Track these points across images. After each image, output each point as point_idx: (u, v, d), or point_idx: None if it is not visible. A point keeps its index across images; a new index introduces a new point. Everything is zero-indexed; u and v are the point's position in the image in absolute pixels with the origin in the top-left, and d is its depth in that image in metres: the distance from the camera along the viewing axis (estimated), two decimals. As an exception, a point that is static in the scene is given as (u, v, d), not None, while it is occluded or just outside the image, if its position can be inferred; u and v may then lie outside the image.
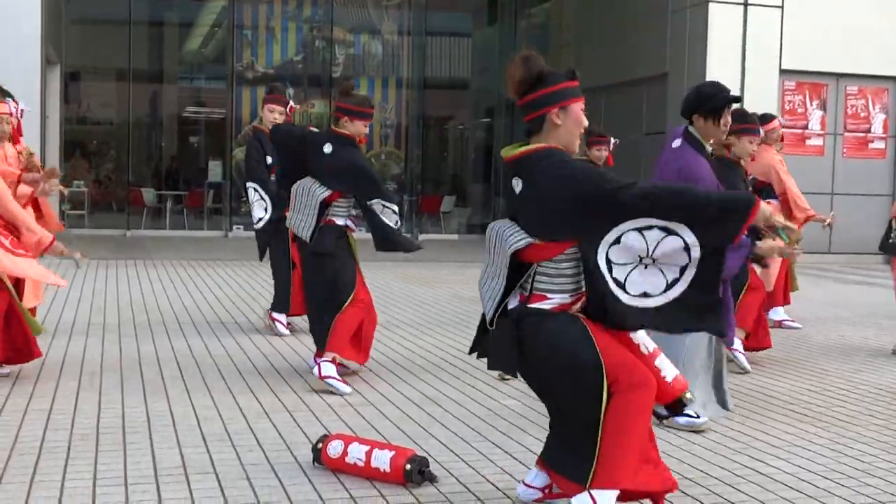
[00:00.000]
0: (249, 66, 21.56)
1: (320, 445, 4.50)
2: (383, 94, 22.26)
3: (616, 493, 3.68)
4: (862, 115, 17.44)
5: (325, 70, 21.82)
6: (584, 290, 3.79)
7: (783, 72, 16.63)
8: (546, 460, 3.97)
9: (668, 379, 3.86)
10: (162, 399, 5.79)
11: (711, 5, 16.14)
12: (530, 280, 3.79)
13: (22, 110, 7.57)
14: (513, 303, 3.82)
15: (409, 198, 21.67)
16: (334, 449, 4.43)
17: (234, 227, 20.12)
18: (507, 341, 3.78)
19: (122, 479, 4.29)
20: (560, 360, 3.70)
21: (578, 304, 3.80)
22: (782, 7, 16.48)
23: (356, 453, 4.38)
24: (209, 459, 4.62)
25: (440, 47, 23.44)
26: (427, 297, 10.72)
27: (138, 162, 22.61)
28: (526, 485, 4.08)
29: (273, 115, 8.08)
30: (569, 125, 3.77)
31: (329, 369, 6.07)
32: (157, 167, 23.54)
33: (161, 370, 6.62)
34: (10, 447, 4.74)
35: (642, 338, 3.88)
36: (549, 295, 3.78)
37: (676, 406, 3.86)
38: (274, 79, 21.43)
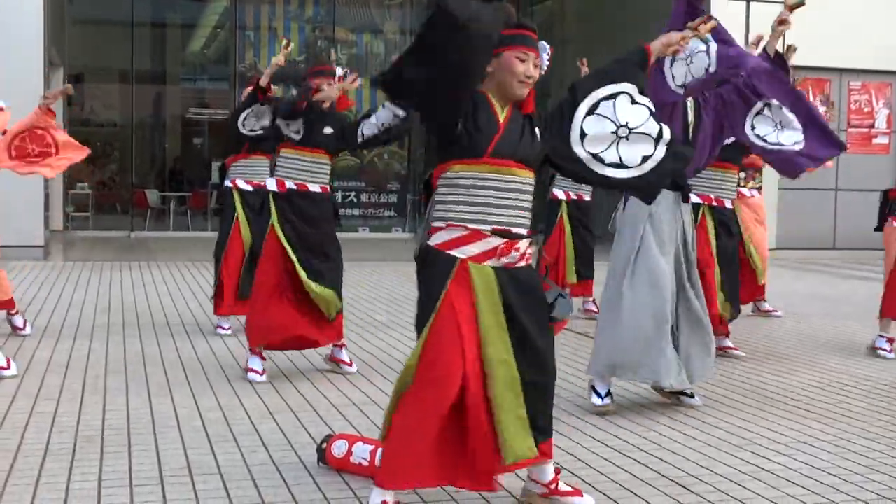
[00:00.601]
0: (252, 66, 21.57)
1: (325, 445, 4.50)
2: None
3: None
4: (865, 110, 17.42)
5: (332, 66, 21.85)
6: (470, 224, 3.69)
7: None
8: None
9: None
10: (167, 400, 5.80)
11: (714, 1, 16.12)
12: (430, 209, 3.82)
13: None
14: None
15: (412, 197, 21.66)
16: (339, 449, 4.44)
17: (239, 227, 20.10)
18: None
19: (128, 481, 4.30)
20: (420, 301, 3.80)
21: (470, 246, 3.70)
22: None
23: (360, 453, 4.38)
24: (214, 460, 4.62)
25: (442, 46, 23.43)
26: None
27: (142, 163, 22.62)
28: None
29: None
30: (501, 73, 3.74)
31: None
32: (161, 168, 23.56)
33: (166, 371, 6.63)
34: (15, 449, 4.76)
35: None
36: (434, 225, 3.78)
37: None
38: (277, 79, 21.36)
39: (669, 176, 3.96)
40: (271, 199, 6.37)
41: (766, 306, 9.56)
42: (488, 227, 3.70)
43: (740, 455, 4.89)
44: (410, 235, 21.12)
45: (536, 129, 3.82)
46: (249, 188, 8.05)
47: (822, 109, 16.50)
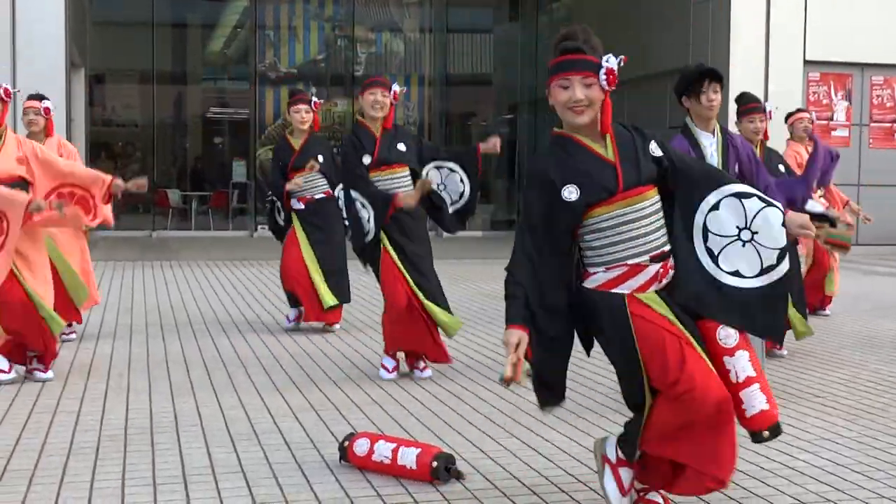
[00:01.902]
0: (272, 66, 21.62)
1: (347, 443, 4.51)
2: (406, 92, 22.27)
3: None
4: (888, 105, 17.29)
5: (347, 69, 21.85)
6: (629, 260, 3.59)
7: (807, 63, 16.51)
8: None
9: (747, 413, 3.65)
10: (189, 399, 5.82)
11: (734, -4, 16.06)
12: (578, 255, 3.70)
13: (47, 108, 7.63)
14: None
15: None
16: (361, 447, 4.45)
17: (259, 226, 20.18)
18: (577, 322, 3.72)
19: (151, 480, 4.32)
20: (609, 346, 3.69)
21: (632, 280, 3.58)
22: (805, -3, 16.38)
23: (383, 451, 4.38)
24: (237, 459, 4.64)
25: (462, 44, 23.43)
26: (452, 295, 10.67)
27: (163, 163, 22.72)
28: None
29: (300, 115, 8.16)
30: (556, 107, 3.62)
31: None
32: (182, 168, 23.65)
33: (188, 371, 6.65)
34: (39, 448, 4.79)
35: (739, 363, 3.62)
36: (590, 270, 3.66)
37: (753, 437, 3.74)
38: (297, 78, 21.51)
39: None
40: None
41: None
42: (647, 258, 3.61)
43: (763, 451, 4.86)
44: (430, 234, 21.11)
45: (650, 145, 3.67)
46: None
47: (844, 105, 16.44)
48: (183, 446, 4.84)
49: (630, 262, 3.59)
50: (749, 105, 6.83)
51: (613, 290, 3.59)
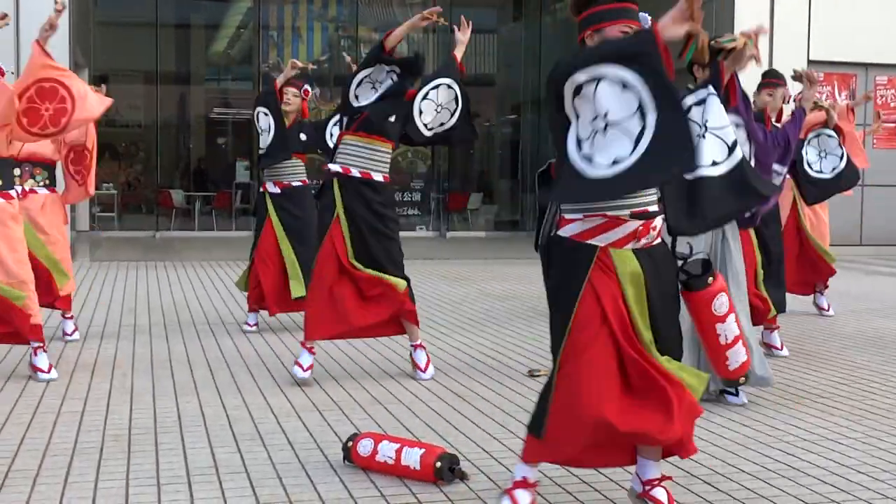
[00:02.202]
0: (276, 66, 21.62)
1: (350, 444, 4.51)
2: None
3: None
4: (892, 105, 17.28)
5: (350, 70, 21.88)
6: (609, 212, 3.45)
7: (811, 62, 16.48)
8: None
9: (731, 367, 3.89)
10: (193, 399, 5.82)
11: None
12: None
13: None
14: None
15: (436, 195, 21.67)
16: (364, 447, 4.44)
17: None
18: (543, 272, 3.66)
19: (155, 480, 4.32)
20: (550, 300, 3.62)
21: (609, 233, 3.47)
22: (809, -3, 16.37)
23: (386, 451, 4.38)
24: (240, 459, 4.64)
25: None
26: (455, 295, 10.72)
27: (167, 163, 22.74)
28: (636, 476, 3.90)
29: (286, 97, 8.16)
30: None
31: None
32: (186, 168, 23.68)
33: (192, 371, 6.66)
34: (43, 448, 4.79)
35: (728, 327, 3.70)
36: (566, 216, 3.56)
37: (729, 384, 3.94)
38: (299, 79, 21.48)
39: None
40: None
41: (823, 302, 9.53)
42: (627, 212, 3.48)
43: (768, 452, 4.86)
44: (434, 234, 21.13)
45: None
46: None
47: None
48: (187, 446, 4.84)
49: (610, 213, 3.46)
50: (771, 80, 7.01)
51: (587, 241, 3.48)
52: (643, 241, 3.53)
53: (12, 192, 6.11)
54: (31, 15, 13.67)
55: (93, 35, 19.53)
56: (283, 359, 7.07)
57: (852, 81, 17.08)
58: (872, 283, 12.59)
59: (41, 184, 7.00)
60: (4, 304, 6.08)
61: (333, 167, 6.27)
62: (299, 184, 8.26)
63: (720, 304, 3.68)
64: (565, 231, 3.54)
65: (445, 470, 4.27)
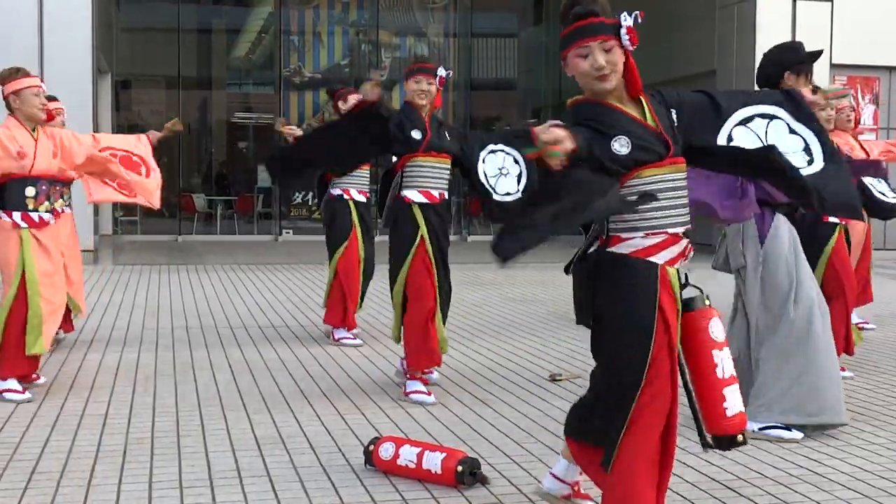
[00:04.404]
0: (297, 70, 21.70)
1: (372, 448, 4.52)
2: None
3: None
4: (915, 107, 17.17)
5: (371, 73, 21.91)
6: (669, 229, 3.37)
7: (834, 66, 16.41)
8: (570, 430, 3.69)
9: (728, 413, 3.43)
10: (216, 403, 5.84)
11: (759, 0, 15.98)
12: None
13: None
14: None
15: (456, 199, 21.67)
16: (386, 451, 4.46)
17: (284, 231, 20.27)
18: (585, 291, 3.42)
19: (178, 483, 4.34)
20: (613, 321, 3.36)
21: (667, 251, 3.37)
22: (832, 0, 16.28)
23: (408, 455, 4.39)
24: (262, 463, 4.66)
25: (486, 48, 23.44)
26: (476, 300, 10.72)
27: (189, 168, 22.84)
28: (553, 476, 3.89)
29: (348, 104, 7.91)
30: (577, 78, 3.42)
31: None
32: (207, 173, 23.77)
33: (214, 375, 6.68)
34: (67, 451, 4.82)
35: (726, 359, 3.45)
36: (623, 235, 3.37)
37: (723, 443, 3.48)
38: (321, 83, 21.57)
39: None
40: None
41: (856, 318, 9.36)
42: (682, 229, 3.42)
43: (790, 458, 4.84)
44: (455, 237, 21.13)
45: (672, 114, 3.47)
46: None
47: (871, 108, 16.34)
48: (209, 450, 4.86)
49: (670, 230, 3.38)
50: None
51: (649, 259, 3.35)
52: (686, 260, 3.47)
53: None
54: (54, 21, 13.81)
55: (115, 41, 19.64)
56: (305, 364, 7.09)
57: (875, 85, 16.99)
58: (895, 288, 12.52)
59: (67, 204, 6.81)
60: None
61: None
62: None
63: (718, 329, 3.46)
64: (622, 248, 3.37)
65: (466, 474, 4.28)
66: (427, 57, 7.03)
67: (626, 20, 3.42)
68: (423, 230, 5.99)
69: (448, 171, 6.13)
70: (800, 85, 5.30)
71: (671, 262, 3.39)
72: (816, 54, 5.44)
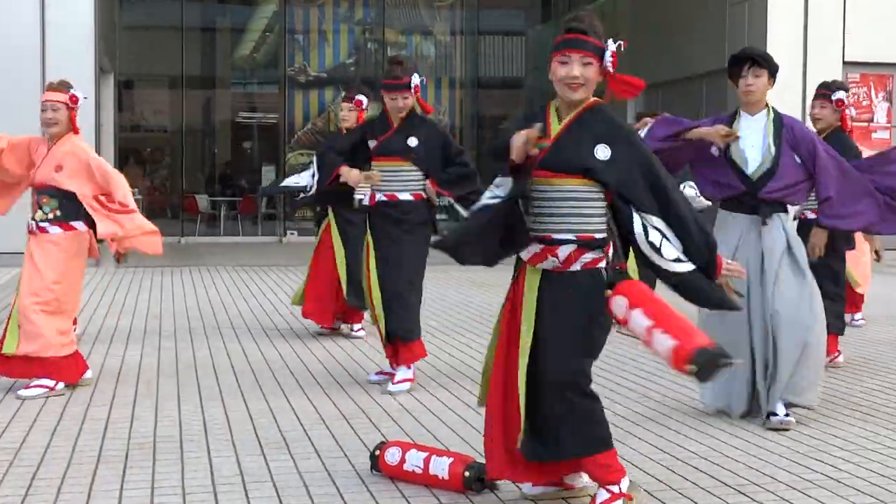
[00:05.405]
0: (302, 69, 21.69)
1: (378, 452, 4.49)
2: (436, 95, 22.27)
3: None
4: (931, 105, 17.10)
5: (377, 72, 21.86)
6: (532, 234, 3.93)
7: (846, 64, 16.35)
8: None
9: (665, 357, 3.71)
10: (218, 407, 5.82)
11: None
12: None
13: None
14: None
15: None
16: (392, 456, 4.43)
17: (289, 232, 20.26)
18: None
19: (180, 489, 4.32)
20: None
21: (527, 250, 3.97)
22: (844, -3, 16.23)
23: (414, 460, 4.36)
24: (266, 467, 4.63)
25: (493, 46, 23.42)
26: (484, 301, 10.69)
27: (192, 168, 22.84)
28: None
29: (343, 113, 8.32)
30: (552, 81, 3.96)
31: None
32: (211, 173, 23.76)
33: (217, 377, 6.66)
34: (68, 456, 4.80)
35: (635, 326, 3.80)
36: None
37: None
38: (326, 82, 21.58)
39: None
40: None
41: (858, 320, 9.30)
42: (533, 234, 3.94)
43: (804, 462, 4.80)
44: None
45: (600, 146, 3.89)
46: None
47: (885, 106, 16.26)
48: (212, 454, 4.84)
49: (532, 233, 3.95)
50: (817, 90, 7.12)
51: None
52: (543, 265, 3.96)
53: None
54: (55, 19, 13.81)
55: (118, 39, 19.64)
56: (309, 366, 7.07)
57: (889, 82, 16.92)
58: (910, 289, 12.45)
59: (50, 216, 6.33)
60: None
61: None
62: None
63: (617, 306, 3.82)
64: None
65: (474, 479, 4.25)
66: (402, 62, 7.00)
67: (611, 46, 3.90)
68: (368, 234, 6.40)
69: (405, 173, 6.39)
70: (738, 89, 5.66)
71: (531, 261, 4.00)
72: (743, 56, 5.69)
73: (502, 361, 4.07)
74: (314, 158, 7.26)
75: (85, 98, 6.59)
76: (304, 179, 7.73)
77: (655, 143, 5.41)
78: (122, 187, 6.30)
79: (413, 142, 6.35)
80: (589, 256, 3.91)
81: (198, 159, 23.58)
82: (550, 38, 19.54)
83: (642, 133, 5.58)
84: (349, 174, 6.44)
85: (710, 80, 17.42)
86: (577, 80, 3.86)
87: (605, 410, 4.06)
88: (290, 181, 8.36)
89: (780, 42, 15.93)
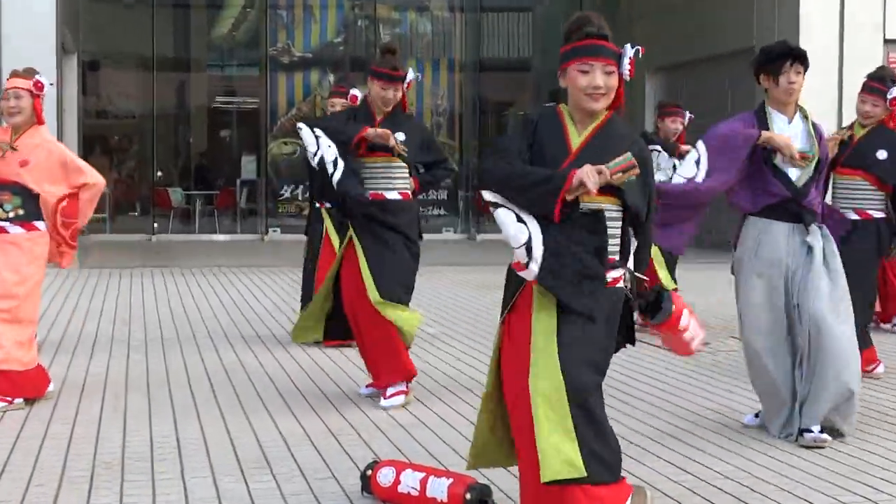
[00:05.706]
0: (285, 50, 21.69)
1: (369, 473, 4.50)
2: (434, 78, 22.27)
3: None
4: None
5: (368, 53, 21.83)
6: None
7: (888, 42, 16.32)
8: None
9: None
10: (193, 422, 5.83)
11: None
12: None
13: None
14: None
15: (464, 194, 21.67)
16: (385, 477, 4.43)
17: (271, 229, 20.27)
18: None
19: (151, 512, 4.33)
20: None
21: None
22: (885, -31, 16.23)
23: (410, 481, 4.37)
24: (246, 489, 4.64)
25: (497, 24, 23.41)
26: (483, 305, 10.69)
27: (164, 158, 22.82)
28: None
29: (335, 108, 8.41)
30: (570, 90, 3.95)
31: None
32: (185, 164, 23.76)
33: (192, 390, 6.67)
34: (28, 477, 4.81)
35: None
36: None
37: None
38: (312, 63, 21.58)
39: None
40: None
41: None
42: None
43: (841, 483, 4.81)
44: (462, 237, 21.13)
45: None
46: None
47: None
48: (186, 475, 4.85)
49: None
50: (868, 82, 7.11)
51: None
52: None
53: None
54: (14, 10, 13.81)
55: (82, 15, 19.63)
56: (294, 378, 7.08)
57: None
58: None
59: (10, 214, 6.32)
60: None
61: None
62: None
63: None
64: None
65: (476, 502, 4.26)
66: (395, 50, 6.94)
67: (629, 52, 3.93)
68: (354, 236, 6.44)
69: (391, 169, 6.45)
70: (776, 87, 5.58)
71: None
72: (788, 52, 5.63)
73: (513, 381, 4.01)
74: (315, 139, 6.57)
75: (51, 84, 6.55)
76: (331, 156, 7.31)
77: (720, 180, 5.52)
78: (92, 189, 6.38)
79: (401, 136, 6.41)
80: (609, 276, 3.93)
81: (170, 148, 23.57)
82: (560, 16, 19.53)
83: (688, 168, 5.56)
84: (376, 133, 6.31)
85: (735, 60, 17.39)
86: (600, 89, 3.87)
87: (620, 425, 4.06)
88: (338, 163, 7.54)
89: (813, 19, 15.93)
